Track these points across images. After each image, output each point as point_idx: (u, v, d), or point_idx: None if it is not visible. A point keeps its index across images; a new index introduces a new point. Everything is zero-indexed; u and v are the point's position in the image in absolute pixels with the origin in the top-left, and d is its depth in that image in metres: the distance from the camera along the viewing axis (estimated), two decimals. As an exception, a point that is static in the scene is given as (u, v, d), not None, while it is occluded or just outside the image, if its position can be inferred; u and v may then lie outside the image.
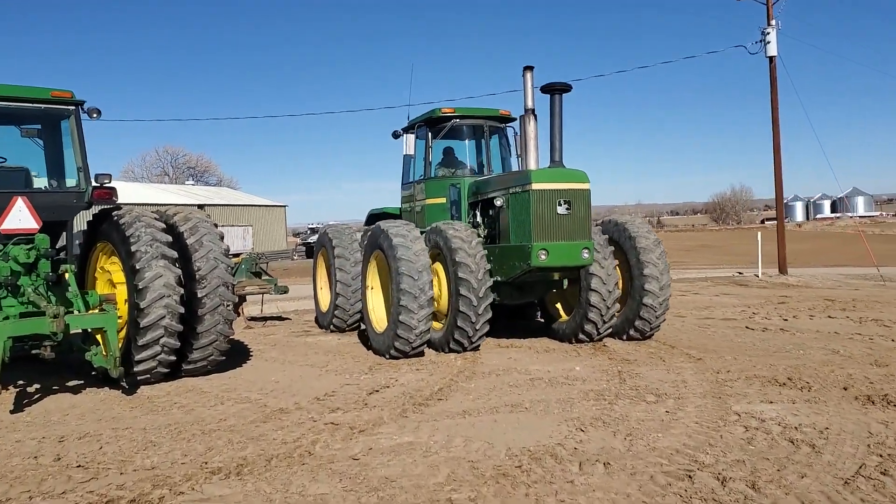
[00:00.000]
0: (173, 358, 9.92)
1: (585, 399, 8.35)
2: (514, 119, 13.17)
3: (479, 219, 12.19)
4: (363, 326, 14.44)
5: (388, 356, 10.92)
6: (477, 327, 10.85)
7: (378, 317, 11.60)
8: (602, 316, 11.59)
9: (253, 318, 17.49)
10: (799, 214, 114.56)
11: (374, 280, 11.70)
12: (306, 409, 8.40)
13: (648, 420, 7.39)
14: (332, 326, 14.40)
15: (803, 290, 22.32)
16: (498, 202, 11.19)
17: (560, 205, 10.71)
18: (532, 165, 11.09)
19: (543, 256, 10.54)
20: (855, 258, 36.27)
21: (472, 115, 12.99)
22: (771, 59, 27.45)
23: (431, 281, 10.41)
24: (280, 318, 18.24)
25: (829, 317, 15.08)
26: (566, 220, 10.76)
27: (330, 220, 77.79)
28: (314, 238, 72.09)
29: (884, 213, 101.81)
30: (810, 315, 15.39)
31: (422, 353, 11.16)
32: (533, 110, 11.26)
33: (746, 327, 13.79)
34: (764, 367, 9.85)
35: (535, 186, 10.63)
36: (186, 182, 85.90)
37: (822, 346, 11.42)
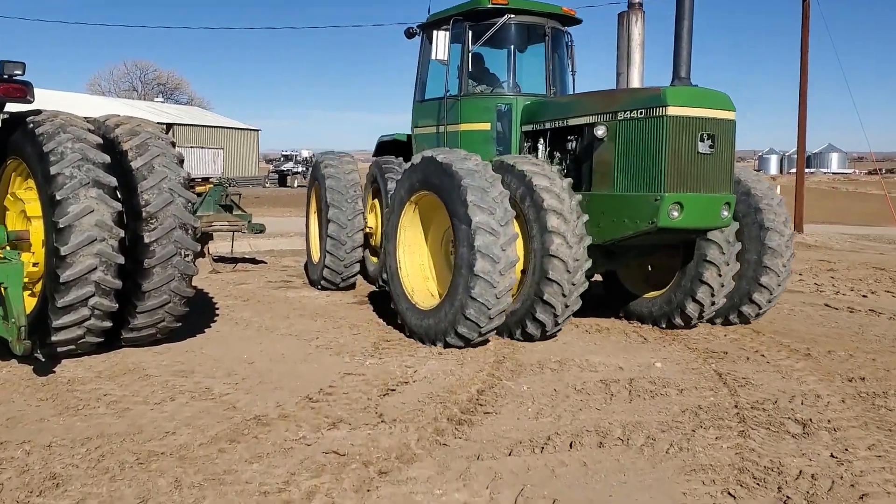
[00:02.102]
0: (108, 324, 7.17)
1: (700, 425, 5.77)
2: (580, 21, 10.19)
3: (540, 154, 9.14)
4: (367, 285, 11.75)
5: (439, 343, 7.84)
6: (564, 314, 8.03)
7: (419, 288, 8.45)
8: (713, 296, 8.69)
9: (220, 259, 14.69)
10: (773, 167, 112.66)
11: (411, 235, 8.46)
12: (294, 420, 5.75)
13: (823, 476, 4.83)
14: (322, 282, 11.60)
15: (831, 252, 19.99)
16: (599, 132, 8.03)
17: (702, 140, 7.63)
18: (636, 84, 8.29)
19: (676, 213, 7.52)
20: (857, 217, 34.02)
21: (531, 11, 9.72)
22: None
23: (516, 237, 7.56)
24: (254, 261, 15.44)
25: (912, 294, 12.62)
26: (708, 162, 7.70)
27: (305, 148, 74.01)
28: (288, 165, 69.29)
29: (856, 171, 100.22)
30: (887, 290, 12.93)
31: (487, 340, 8.13)
32: (640, 4, 8.49)
33: (826, 305, 11.29)
34: (906, 375, 7.33)
35: (671, 111, 7.48)
36: (155, 99, 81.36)
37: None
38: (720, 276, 8.54)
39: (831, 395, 6.63)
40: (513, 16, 9.52)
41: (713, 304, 8.73)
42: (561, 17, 9.97)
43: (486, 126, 9.52)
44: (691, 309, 8.77)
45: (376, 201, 11.40)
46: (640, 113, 7.76)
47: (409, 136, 11.13)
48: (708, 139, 7.66)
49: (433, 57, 9.30)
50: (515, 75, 9.89)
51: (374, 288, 11.81)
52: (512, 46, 9.87)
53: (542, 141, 9.14)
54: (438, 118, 9.94)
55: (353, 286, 11.59)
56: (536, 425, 5.73)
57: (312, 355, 7.75)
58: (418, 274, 8.57)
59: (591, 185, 8.37)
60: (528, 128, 9.35)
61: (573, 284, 7.74)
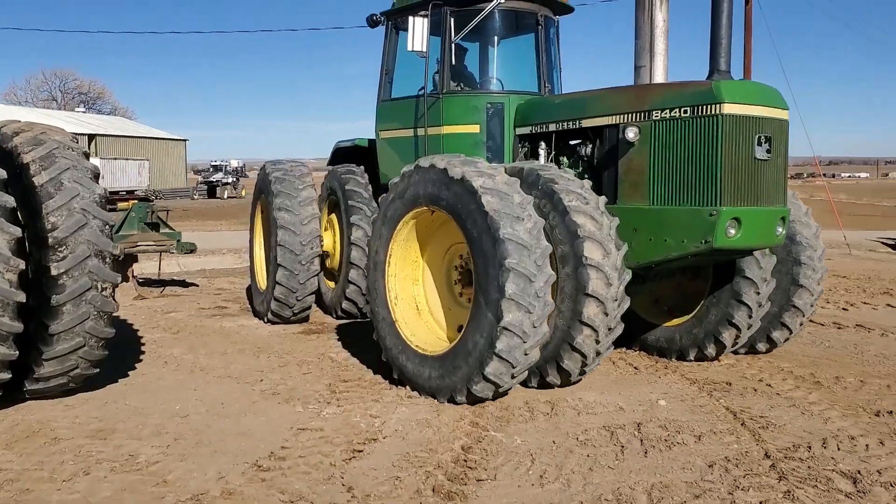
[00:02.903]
0: (6, 375, 5.89)
1: (736, 486, 4.80)
2: (572, 10, 9.15)
3: (542, 160, 7.93)
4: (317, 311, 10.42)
5: (461, 399, 6.23)
6: (594, 362, 6.70)
7: (414, 325, 6.97)
8: (750, 318, 7.42)
9: (146, 283, 13.28)
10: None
11: (403, 262, 6.98)
12: (241, 499, 4.58)
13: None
14: (269, 315, 9.85)
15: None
16: (630, 134, 6.75)
17: (759, 144, 6.46)
18: (659, 77, 7.27)
19: (733, 231, 6.32)
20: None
21: None
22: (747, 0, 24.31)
23: (553, 280, 6.05)
24: (184, 284, 14.04)
25: (889, 305, 12.01)
26: (765, 170, 6.51)
27: (235, 158, 71.75)
28: (217, 176, 66.69)
29: (805, 175, 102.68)
30: (865, 301, 12.30)
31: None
32: None
33: (810, 321, 10.52)
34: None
35: (728, 108, 6.28)
36: (76, 109, 77.95)
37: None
38: (758, 294, 7.38)
39: (865, 435, 5.76)
40: (503, 0, 8.29)
41: (749, 327, 7.55)
42: (553, 5, 8.89)
43: (475, 128, 8.32)
44: (727, 335, 7.52)
45: (334, 217, 10.19)
46: (686, 112, 6.56)
47: (370, 142, 9.96)
48: (765, 142, 6.52)
49: (410, 48, 8.02)
50: (503, 70, 8.81)
51: (326, 315, 10.58)
52: (496, 37, 8.76)
53: (543, 145, 8.03)
54: (415, 119, 8.71)
55: (306, 319, 10.12)
56: (543, 495, 4.68)
57: (258, 404, 6.55)
58: (410, 307, 7.13)
59: (615, 198, 7.11)
60: (524, 130, 8.21)
61: (609, 329, 6.43)
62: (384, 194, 7.00)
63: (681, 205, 6.58)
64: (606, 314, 6.28)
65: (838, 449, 5.49)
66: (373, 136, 9.85)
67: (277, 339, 9.23)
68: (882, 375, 7.60)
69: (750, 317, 7.39)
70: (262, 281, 10.36)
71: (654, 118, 6.79)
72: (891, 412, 6.34)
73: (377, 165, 9.69)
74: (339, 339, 9.18)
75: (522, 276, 5.78)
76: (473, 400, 6.21)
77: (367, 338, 8.54)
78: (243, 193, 62.00)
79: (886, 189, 70.78)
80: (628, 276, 6.44)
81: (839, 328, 10.09)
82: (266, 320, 9.89)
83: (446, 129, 8.34)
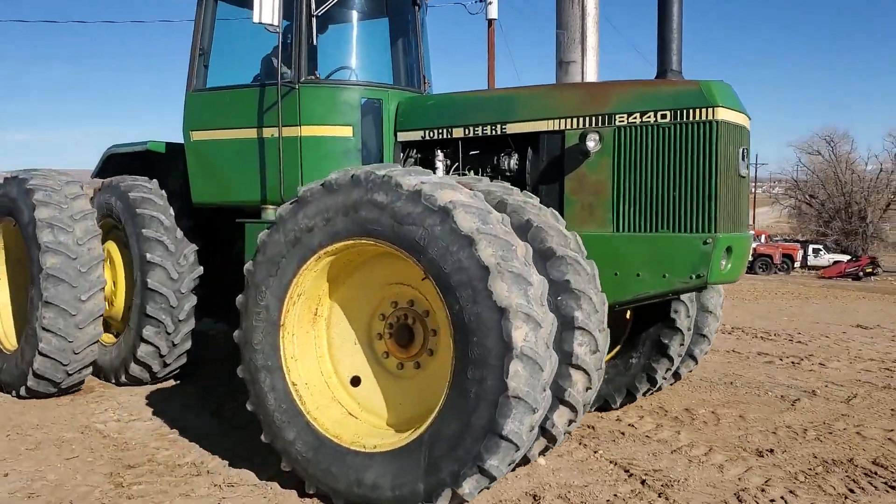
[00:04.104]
0: None
1: None
2: None
3: (439, 174, 6.08)
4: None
5: None
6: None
7: (336, 413, 4.91)
8: (681, 345, 6.52)
9: None
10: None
11: (306, 314, 4.95)
12: None
13: None
14: (28, 384, 6.80)
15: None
16: (590, 143, 5.37)
17: (743, 157, 5.47)
18: (591, 75, 5.79)
19: (725, 262, 5.26)
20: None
21: None
22: (490, 21, 24.42)
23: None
24: None
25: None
26: (743, 188, 5.57)
27: None
28: None
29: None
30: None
31: None
32: None
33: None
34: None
35: (722, 114, 5.19)
36: None
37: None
38: (689, 317, 6.50)
39: (770, 484, 5.04)
40: None
41: (680, 356, 6.62)
42: None
43: (346, 131, 6.33)
44: (661, 367, 6.53)
45: (113, 246, 7.56)
46: (664, 116, 5.29)
47: (171, 148, 7.52)
48: (745, 156, 5.52)
49: (257, 19, 5.81)
50: (374, 59, 6.89)
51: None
52: (365, 15, 6.86)
53: (440, 155, 6.28)
54: (257, 116, 6.48)
55: (79, 384, 7.20)
56: None
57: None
58: (320, 385, 4.97)
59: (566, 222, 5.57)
60: (411, 135, 6.38)
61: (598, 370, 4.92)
62: (267, 228, 4.88)
63: (660, 231, 5.33)
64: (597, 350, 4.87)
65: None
66: (168, 140, 7.51)
67: (11, 406, 6.73)
68: (724, 403, 7.12)
69: (681, 345, 6.54)
70: (7, 337, 7.44)
71: (618, 123, 5.45)
72: (771, 450, 5.73)
73: (180, 178, 7.36)
74: (100, 401, 6.98)
75: (527, 327, 4.10)
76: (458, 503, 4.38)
77: (139, 393, 7.20)
78: None
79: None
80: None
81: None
82: (20, 393, 6.99)
83: (306, 131, 6.31)
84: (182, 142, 7.10)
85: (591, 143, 5.41)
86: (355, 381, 5.03)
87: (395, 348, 4.94)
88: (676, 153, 5.27)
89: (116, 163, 7.94)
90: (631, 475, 5.13)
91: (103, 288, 6.80)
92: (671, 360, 6.52)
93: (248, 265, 4.85)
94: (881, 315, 15.50)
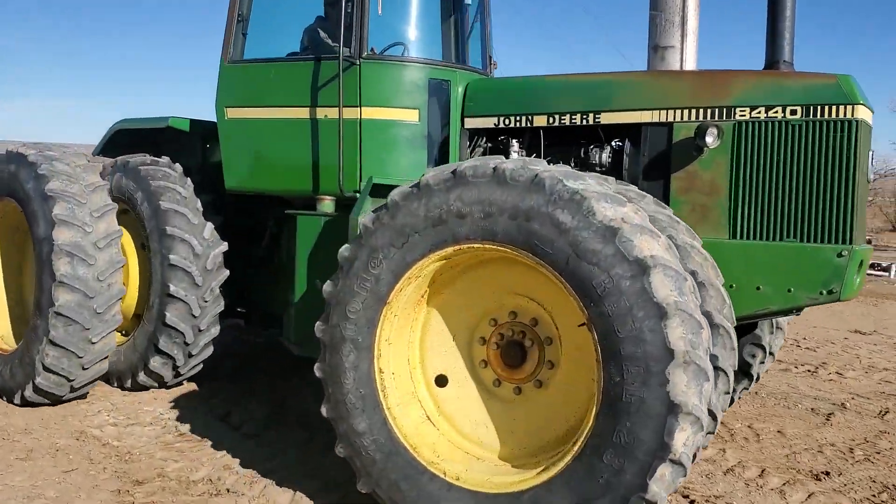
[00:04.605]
0: None
1: None
2: None
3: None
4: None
5: None
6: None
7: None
8: (749, 384, 6.19)
9: None
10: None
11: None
12: None
13: None
14: (32, 388, 5.91)
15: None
16: (709, 138, 4.76)
17: (871, 161, 4.93)
18: (691, 63, 5.19)
19: (857, 277, 4.75)
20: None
21: None
22: None
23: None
24: None
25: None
26: (867, 194, 5.14)
27: None
28: None
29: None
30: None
31: None
32: None
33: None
34: None
35: (862, 113, 4.61)
36: None
37: None
38: (772, 333, 6.12)
39: None
40: None
41: (758, 374, 6.22)
42: None
43: (412, 115, 5.61)
44: (740, 386, 6.19)
45: (127, 238, 6.70)
46: (794, 112, 4.70)
47: (198, 126, 6.73)
48: (872, 159, 4.98)
49: None
50: (436, 36, 6.15)
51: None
52: None
53: (515, 146, 5.62)
54: (309, 93, 5.70)
55: (82, 396, 6.36)
56: None
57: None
58: (403, 368, 4.29)
59: None
60: (481, 122, 5.71)
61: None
62: (362, 216, 4.20)
63: (786, 239, 4.78)
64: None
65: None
66: (191, 116, 6.73)
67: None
68: (757, 417, 6.71)
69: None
70: (2, 338, 6.56)
71: (738, 117, 4.88)
72: (827, 473, 5.36)
73: (199, 161, 6.60)
74: (92, 401, 6.39)
75: (697, 424, 3.54)
76: None
77: (133, 393, 6.57)
78: None
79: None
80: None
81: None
82: (7, 400, 6.11)
83: (367, 113, 5.58)
84: (205, 118, 6.33)
85: (710, 139, 4.83)
86: (440, 382, 4.42)
87: (498, 363, 4.34)
88: (808, 154, 4.73)
89: (124, 139, 7.09)
90: (692, 502, 4.73)
91: (122, 298, 6.03)
92: (751, 378, 6.09)
93: (367, 220, 4.10)
94: (871, 320, 15.36)
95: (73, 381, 5.86)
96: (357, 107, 5.58)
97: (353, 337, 4.12)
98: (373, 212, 4.08)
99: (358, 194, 5.59)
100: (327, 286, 4.21)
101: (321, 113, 5.72)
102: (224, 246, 6.39)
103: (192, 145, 7.07)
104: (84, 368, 5.83)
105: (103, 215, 5.92)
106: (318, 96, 5.71)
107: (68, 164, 6.04)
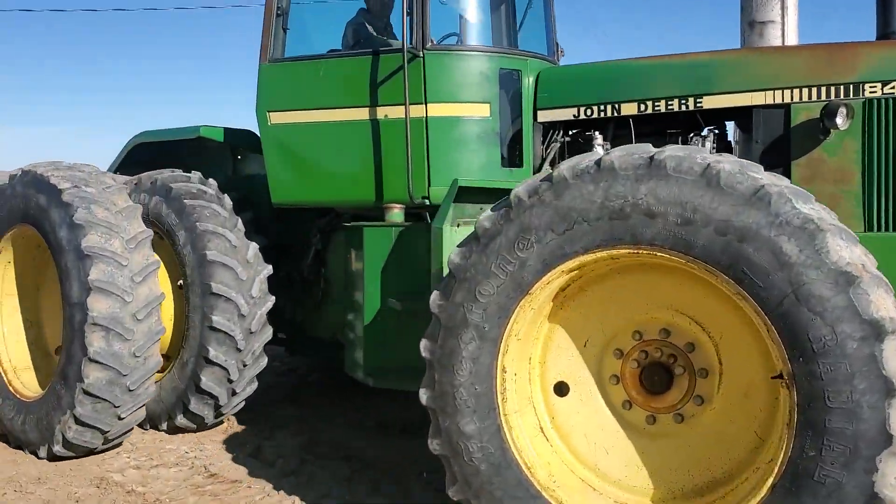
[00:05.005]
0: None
1: None
2: None
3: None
4: None
5: None
6: None
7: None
8: None
9: None
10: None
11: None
12: None
13: None
14: (57, 447, 5.12)
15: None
16: (838, 119, 4.18)
17: None
18: (792, 38, 4.68)
19: None
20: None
21: None
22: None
23: None
24: None
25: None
26: None
27: None
28: None
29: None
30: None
31: None
32: None
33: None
34: None
35: None
36: None
37: None
38: None
39: None
40: None
41: None
42: None
43: (483, 110, 5.03)
44: None
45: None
46: None
47: (232, 134, 6.09)
48: None
49: None
50: (503, 22, 5.57)
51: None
52: None
53: (598, 138, 5.00)
54: (368, 92, 5.09)
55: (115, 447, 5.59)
56: None
57: None
58: (524, 368, 3.70)
59: None
60: (557, 114, 5.14)
61: None
62: (492, 212, 3.55)
63: None
64: None
65: None
66: (223, 125, 6.09)
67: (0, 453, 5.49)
68: None
69: None
70: (23, 381, 5.81)
71: (868, 94, 4.34)
72: None
73: (230, 174, 5.97)
74: None
75: None
76: None
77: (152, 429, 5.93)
78: None
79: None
80: None
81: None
82: (46, 455, 5.36)
83: (434, 110, 4.99)
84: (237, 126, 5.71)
85: (840, 119, 4.28)
86: (559, 390, 3.81)
87: (634, 383, 3.72)
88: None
89: (145, 154, 6.44)
90: None
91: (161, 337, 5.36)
92: None
93: (522, 192, 3.40)
94: None
95: (106, 432, 5.17)
96: (422, 104, 5.00)
97: (479, 323, 3.49)
98: (530, 185, 3.40)
99: (426, 201, 5.04)
100: (455, 256, 3.54)
101: (381, 112, 5.13)
102: (268, 269, 5.75)
103: (220, 157, 6.46)
104: (120, 418, 5.13)
105: (146, 278, 5.16)
106: (378, 94, 5.12)
107: (108, 209, 5.20)
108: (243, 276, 5.51)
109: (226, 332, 5.42)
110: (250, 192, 6.13)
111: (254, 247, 5.67)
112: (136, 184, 5.93)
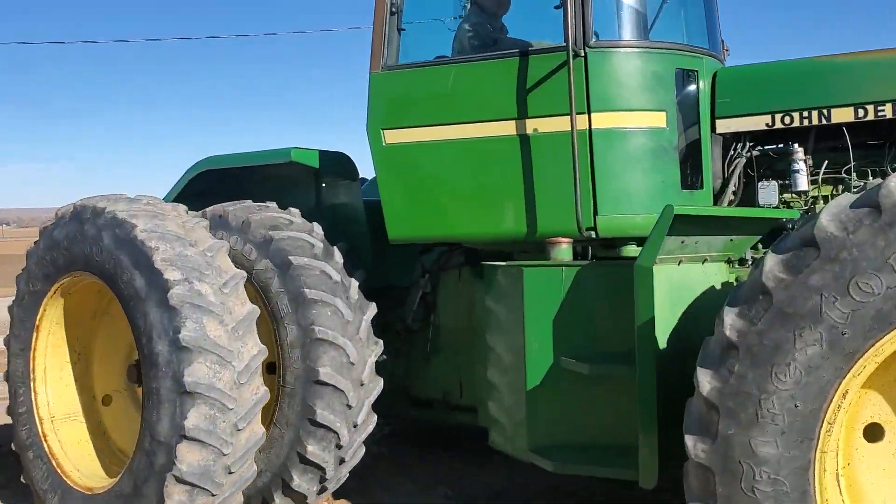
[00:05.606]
0: None
1: None
2: None
3: (801, 185, 4.05)
4: None
5: None
6: None
7: None
8: None
9: None
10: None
11: None
12: None
13: None
14: None
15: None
16: None
17: None
18: None
19: None
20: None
21: None
22: None
23: None
24: None
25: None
26: None
27: None
28: None
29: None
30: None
31: None
32: None
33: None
34: None
35: None
36: None
37: None
38: None
39: None
40: None
41: None
42: None
43: (659, 119, 4.13)
44: None
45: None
46: None
47: (329, 158, 5.14)
48: None
49: None
50: (672, 17, 4.72)
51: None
52: None
53: (798, 152, 4.14)
54: (516, 102, 4.17)
55: None
56: None
57: None
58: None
59: None
60: (740, 124, 4.29)
61: None
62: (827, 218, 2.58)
63: None
64: None
65: None
66: (311, 147, 5.13)
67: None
68: None
69: None
70: (60, 438, 4.78)
71: None
72: None
73: (325, 203, 5.07)
74: None
75: None
76: None
77: None
78: None
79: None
80: None
81: None
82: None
83: (599, 120, 4.07)
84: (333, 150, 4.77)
85: None
86: (871, 434, 2.84)
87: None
88: None
89: (206, 183, 5.48)
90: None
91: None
92: None
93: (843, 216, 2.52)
94: None
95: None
96: (584, 113, 4.09)
97: (780, 413, 2.57)
98: (852, 208, 2.50)
99: (592, 234, 4.11)
100: (731, 319, 2.64)
101: (530, 126, 4.21)
102: (373, 308, 4.81)
103: (296, 183, 5.52)
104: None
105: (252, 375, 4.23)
106: (527, 104, 4.19)
107: (201, 254, 4.24)
108: (348, 316, 4.55)
109: (334, 386, 4.46)
110: (338, 222, 5.21)
111: (354, 283, 4.73)
112: (220, 216, 4.93)
